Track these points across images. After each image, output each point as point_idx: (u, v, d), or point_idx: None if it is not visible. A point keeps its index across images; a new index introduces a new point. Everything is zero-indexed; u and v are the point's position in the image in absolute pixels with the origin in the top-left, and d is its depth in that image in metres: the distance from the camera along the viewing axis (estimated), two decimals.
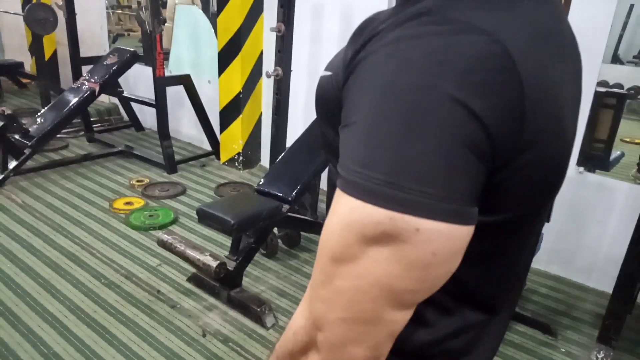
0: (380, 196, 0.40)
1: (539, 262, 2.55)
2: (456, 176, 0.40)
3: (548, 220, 1.80)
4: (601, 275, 2.42)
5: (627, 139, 2.70)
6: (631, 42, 2.74)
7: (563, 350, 2.08)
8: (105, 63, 3.82)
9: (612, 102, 2.52)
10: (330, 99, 0.51)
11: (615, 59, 2.71)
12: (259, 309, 2.13)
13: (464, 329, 0.56)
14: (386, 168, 0.40)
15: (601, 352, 1.98)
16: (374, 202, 0.40)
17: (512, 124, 0.43)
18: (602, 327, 2.01)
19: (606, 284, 2.24)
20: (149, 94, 3.73)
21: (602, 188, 2.41)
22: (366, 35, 0.46)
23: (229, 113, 3.75)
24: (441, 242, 0.41)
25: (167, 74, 3.64)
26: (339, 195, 0.43)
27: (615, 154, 2.56)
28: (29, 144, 3.33)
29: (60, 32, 4.36)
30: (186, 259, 2.16)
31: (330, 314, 0.44)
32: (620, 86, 2.69)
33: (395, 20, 0.44)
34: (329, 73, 0.53)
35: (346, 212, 0.42)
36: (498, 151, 0.43)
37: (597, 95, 2.39)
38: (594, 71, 2.31)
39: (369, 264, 0.42)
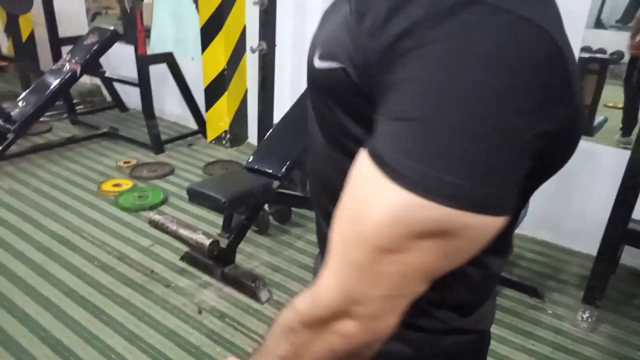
0: (442, 195, 0.41)
1: (526, 228, 2.60)
2: (510, 177, 0.43)
3: None
4: (586, 238, 2.48)
5: (611, 104, 2.73)
6: (614, 6, 2.74)
7: (550, 312, 2.14)
8: (85, 43, 3.74)
9: (595, 68, 2.54)
10: (347, 90, 0.49)
11: (599, 24, 2.71)
12: (253, 284, 2.16)
13: (490, 275, 0.62)
14: (450, 167, 0.41)
15: (586, 312, 2.05)
16: (435, 200, 0.41)
17: (567, 119, 0.45)
18: (587, 288, 2.08)
19: (591, 247, 2.29)
20: (132, 74, 3.67)
21: (587, 153, 2.44)
22: (398, 19, 0.43)
23: (214, 90, 3.72)
24: (484, 233, 0.44)
25: (149, 52, 3.58)
26: (385, 186, 0.42)
27: (599, 119, 2.60)
28: (12, 128, 3.28)
29: (37, 11, 4.24)
30: (179, 238, 2.17)
31: (371, 292, 0.46)
32: (604, 51, 2.71)
33: (439, 6, 0.42)
34: (334, 65, 0.49)
35: (399, 207, 0.42)
36: (552, 148, 0.45)
37: (581, 61, 2.41)
38: (578, 36, 2.31)
39: (414, 254, 0.44)
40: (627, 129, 2.66)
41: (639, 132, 1.90)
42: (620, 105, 2.74)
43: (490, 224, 0.43)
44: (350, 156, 0.50)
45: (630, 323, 2.08)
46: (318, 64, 0.52)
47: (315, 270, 0.78)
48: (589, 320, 2.04)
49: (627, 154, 1.91)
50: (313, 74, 0.54)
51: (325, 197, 0.62)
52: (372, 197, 0.44)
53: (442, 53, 0.41)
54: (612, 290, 2.16)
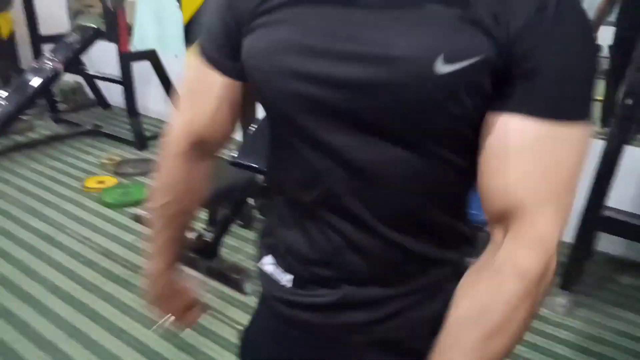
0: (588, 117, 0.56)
1: None
2: None
3: None
4: None
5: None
6: (592, 1, 2.79)
7: None
8: (67, 41, 3.72)
9: None
10: (487, 75, 0.55)
11: None
12: (238, 277, 2.18)
13: None
14: (590, 100, 0.56)
15: (563, 297, 2.11)
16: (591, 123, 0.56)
17: None
18: (564, 274, 2.13)
19: (567, 234, 2.36)
20: (114, 71, 3.66)
21: None
22: (512, 10, 0.54)
23: None
24: None
25: (131, 49, 3.57)
26: (571, 131, 0.55)
27: None
28: None
29: (17, 10, 4.20)
30: None
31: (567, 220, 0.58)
32: None
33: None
34: (472, 60, 0.54)
35: (586, 141, 0.56)
36: None
37: None
38: None
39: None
40: (606, 120, 2.72)
41: (612, 123, 1.96)
42: (600, 97, 2.80)
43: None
44: (453, 145, 0.60)
45: (606, 306, 2.15)
46: (448, 68, 0.55)
47: (263, 241, 0.80)
48: (566, 305, 2.09)
49: (603, 144, 1.97)
50: (437, 81, 0.55)
51: (430, 205, 0.64)
52: (566, 147, 0.55)
53: (572, 29, 0.55)
54: (588, 276, 2.22)
